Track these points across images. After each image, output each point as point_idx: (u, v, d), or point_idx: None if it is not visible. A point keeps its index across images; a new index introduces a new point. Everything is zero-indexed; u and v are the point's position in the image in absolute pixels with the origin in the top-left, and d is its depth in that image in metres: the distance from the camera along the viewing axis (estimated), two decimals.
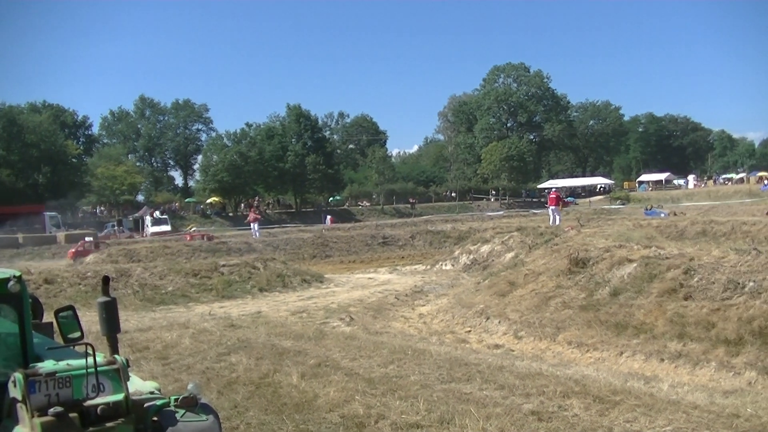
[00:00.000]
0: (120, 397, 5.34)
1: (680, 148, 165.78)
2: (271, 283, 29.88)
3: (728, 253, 16.53)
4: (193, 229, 67.16)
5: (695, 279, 15.58)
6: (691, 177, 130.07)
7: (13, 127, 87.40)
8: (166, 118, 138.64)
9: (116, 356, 5.77)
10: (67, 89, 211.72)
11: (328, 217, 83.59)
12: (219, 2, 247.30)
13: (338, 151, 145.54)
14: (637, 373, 12.86)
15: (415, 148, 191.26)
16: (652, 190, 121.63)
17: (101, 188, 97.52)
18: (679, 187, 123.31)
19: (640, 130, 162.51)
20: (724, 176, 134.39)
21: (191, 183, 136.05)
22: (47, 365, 5.42)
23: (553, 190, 52.69)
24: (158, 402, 5.61)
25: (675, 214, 50.91)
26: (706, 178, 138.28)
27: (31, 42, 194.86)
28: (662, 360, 13.77)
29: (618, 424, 8.65)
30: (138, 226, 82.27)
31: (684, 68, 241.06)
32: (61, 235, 63.12)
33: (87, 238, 53.43)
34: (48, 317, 8.19)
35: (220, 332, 16.98)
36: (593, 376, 11.70)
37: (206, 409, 5.72)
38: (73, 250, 48.66)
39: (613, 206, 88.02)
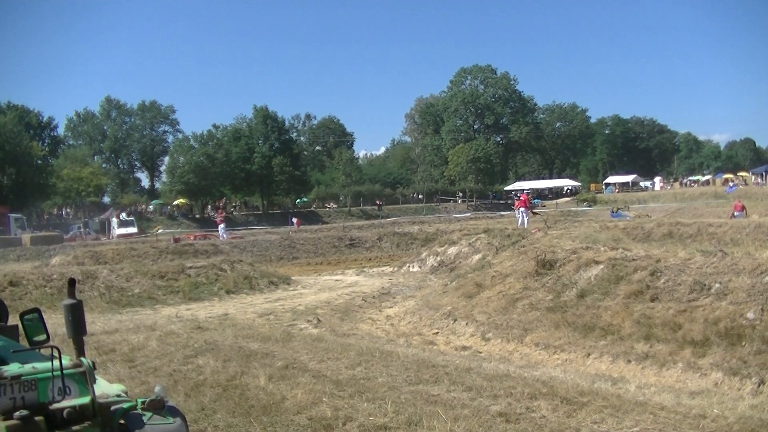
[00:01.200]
0: (86, 400, 5.30)
1: (646, 150, 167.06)
2: (238, 285, 29.80)
3: (694, 254, 16.67)
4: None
5: (662, 281, 15.69)
6: (657, 179, 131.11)
7: None
8: (133, 119, 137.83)
9: (82, 359, 5.72)
10: (32, 90, 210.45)
11: (294, 219, 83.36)
12: (185, 4, 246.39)
13: (305, 152, 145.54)
14: (604, 375, 12.93)
15: (382, 149, 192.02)
16: (618, 192, 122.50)
17: (67, 190, 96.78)
18: (646, 189, 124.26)
19: (607, 132, 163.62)
20: (690, 178, 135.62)
21: (158, 185, 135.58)
22: (12, 368, 5.37)
23: (524, 192, 52.78)
24: (125, 405, 5.57)
25: (640, 216, 51.31)
26: (672, 180, 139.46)
27: None
28: (629, 361, 13.84)
29: (585, 426, 8.68)
30: (104, 228, 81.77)
31: (650, 71, 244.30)
32: (26, 237, 62.54)
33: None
34: (13, 320, 8.11)
35: (187, 334, 16.89)
36: (561, 377, 11.73)
37: (173, 411, 5.69)
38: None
39: (579, 208, 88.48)
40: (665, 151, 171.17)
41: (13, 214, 74.53)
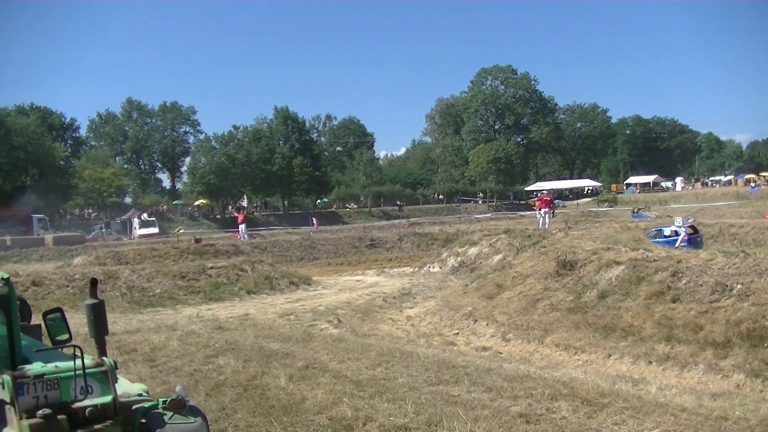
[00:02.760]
0: (108, 399, 5.34)
1: (667, 150, 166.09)
2: (259, 285, 29.83)
3: (716, 255, 16.57)
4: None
5: (683, 281, 15.60)
6: (678, 179, 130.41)
7: (0, 130, 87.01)
8: (154, 120, 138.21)
9: (104, 358, 5.76)
10: (54, 92, 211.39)
11: (314, 219, 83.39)
12: (206, 5, 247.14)
13: (325, 153, 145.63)
14: (624, 376, 12.87)
15: (403, 150, 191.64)
16: (639, 192, 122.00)
17: (88, 190, 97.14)
18: (667, 189, 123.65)
19: (627, 132, 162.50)
20: (711, 178, 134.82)
21: (178, 185, 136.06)
22: (35, 367, 5.41)
23: (545, 192, 52.48)
24: (146, 404, 5.61)
25: (661, 217, 51.02)
26: (693, 180, 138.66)
27: (18, 44, 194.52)
28: (650, 362, 13.77)
29: (606, 427, 8.66)
30: (125, 228, 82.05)
31: (671, 70, 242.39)
32: (48, 237, 62.73)
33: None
34: (36, 319, 8.16)
35: (208, 334, 16.94)
36: (581, 378, 11.70)
37: (194, 411, 5.72)
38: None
39: (600, 209, 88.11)
40: (686, 151, 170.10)
41: (35, 215, 74.84)
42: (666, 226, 30.73)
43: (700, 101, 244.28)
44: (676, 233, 29.03)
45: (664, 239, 28.14)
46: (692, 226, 29.53)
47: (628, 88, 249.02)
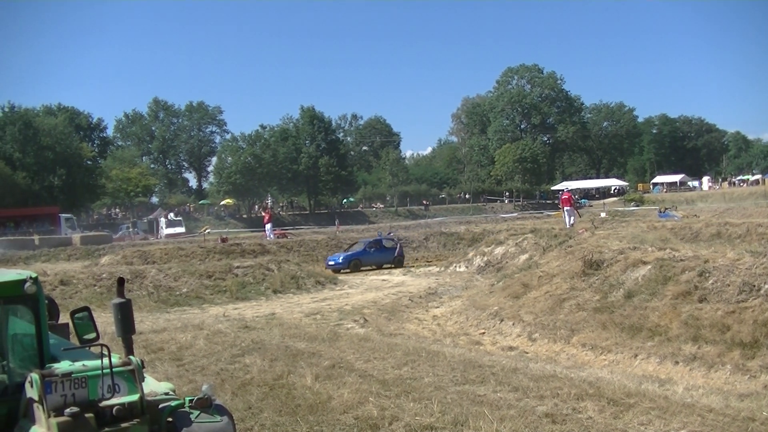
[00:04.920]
0: (135, 397, 5.37)
1: (694, 149, 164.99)
2: (285, 284, 29.91)
3: (743, 255, 16.43)
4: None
5: (710, 281, 15.49)
6: (705, 179, 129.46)
7: (29, 130, 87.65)
8: (180, 120, 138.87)
9: (131, 357, 5.79)
10: (81, 92, 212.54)
11: (337, 221, 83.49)
12: (232, 5, 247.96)
13: (351, 153, 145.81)
14: (651, 376, 12.81)
15: (429, 149, 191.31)
16: (666, 191, 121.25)
17: (116, 190, 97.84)
18: (694, 188, 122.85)
19: (654, 131, 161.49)
20: (738, 178, 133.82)
21: (205, 185, 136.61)
22: (63, 366, 5.45)
23: (565, 190, 52.12)
24: (173, 403, 5.64)
25: (688, 216, 50.77)
26: (720, 179, 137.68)
27: (45, 45, 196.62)
28: (677, 363, 13.69)
29: (632, 427, 8.63)
30: (152, 227, 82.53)
31: (698, 69, 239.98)
32: (76, 236, 63.15)
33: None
34: (64, 318, 8.22)
35: (234, 334, 17.01)
36: (607, 378, 11.67)
37: (220, 410, 5.75)
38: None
39: (626, 208, 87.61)
40: (713, 150, 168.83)
41: (63, 214, 75.42)
42: None
43: (727, 100, 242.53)
44: None
45: None
46: None
47: (655, 87, 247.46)
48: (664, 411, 9.13)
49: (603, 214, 38.11)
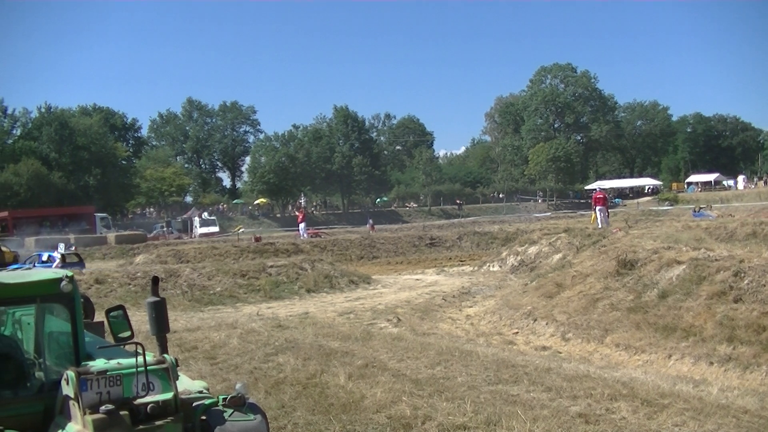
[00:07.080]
0: (169, 395, 5.40)
1: (729, 148, 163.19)
2: (319, 284, 29.96)
3: None
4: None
5: (745, 281, 15.36)
6: (740, 178, 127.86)
7: (65, 130, 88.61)
8: (214, 120, 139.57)
9: (165, 355, 5.83)
10: (116, 93, 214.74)
11: (370, 220, 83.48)
12: (267, 5, 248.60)
13: (385, 152, 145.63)
14: (685, 377, 12.73)
15: (462, 149, 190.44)
16: (700, 191, 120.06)
17: (150, 190, 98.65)
18: (729, 188, 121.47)
19: (689, 130, 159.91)
20: None
21: (239, 184, 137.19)
22: (98, 364, 5.49)
23: (598, 189, 51.71)
24: (206, 401, 5.67)
25: (723, 216, 50.31)
26: (756, 178, 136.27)
27: (82, 46, 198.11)
28: (711, 363, 13.60)
29: (666, 428, 8.58)
30: (186, 227, 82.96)
31: (733, 68, 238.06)
32: (111, 236, 63.65)
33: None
34: (99, 317, 8.30)
35: (268, 333, 17.05)
36: (641, 378, 11.61)
37: (254, 408, 5.77)
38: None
39: (661, 207, 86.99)
40: (749, 149, 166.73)
41: (98, 214, 76.07)
42: None
43: (763, 98, 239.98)
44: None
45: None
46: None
47: (690, 86, 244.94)
48: (699, 412, 9.07)
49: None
